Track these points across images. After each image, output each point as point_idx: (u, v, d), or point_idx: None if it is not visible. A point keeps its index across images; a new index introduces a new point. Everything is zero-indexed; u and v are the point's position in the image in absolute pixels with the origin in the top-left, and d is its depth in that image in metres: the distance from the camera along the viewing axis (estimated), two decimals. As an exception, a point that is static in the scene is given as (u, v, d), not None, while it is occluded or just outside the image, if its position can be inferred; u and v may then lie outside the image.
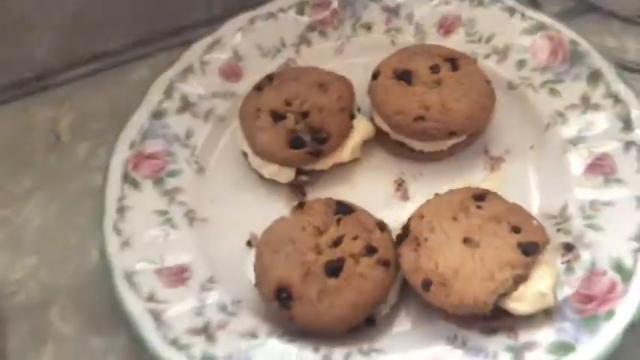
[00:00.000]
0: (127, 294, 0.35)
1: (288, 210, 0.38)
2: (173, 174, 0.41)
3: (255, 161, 0.41)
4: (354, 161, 0.41)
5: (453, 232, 0.34)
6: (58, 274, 0.41)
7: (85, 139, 0.47)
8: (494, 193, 0.36)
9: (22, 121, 0.49)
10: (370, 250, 0.35)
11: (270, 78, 0.42)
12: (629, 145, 0.37)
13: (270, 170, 0.40)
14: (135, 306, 0.35)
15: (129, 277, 0.36)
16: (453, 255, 0.33)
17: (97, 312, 0.40)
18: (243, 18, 0.46)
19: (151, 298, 0.36)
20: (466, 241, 0.34)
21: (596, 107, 0.39)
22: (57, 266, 0.42)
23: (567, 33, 0.42)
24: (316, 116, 0.40)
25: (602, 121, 0.39)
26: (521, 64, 0.43)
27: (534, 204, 0.38)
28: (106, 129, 0.47)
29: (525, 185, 0.39)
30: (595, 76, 0.40)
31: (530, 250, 0.32)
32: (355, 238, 0.35)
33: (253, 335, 0.35)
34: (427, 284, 0.33)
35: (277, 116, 0.40)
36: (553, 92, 0.41)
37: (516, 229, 0.33)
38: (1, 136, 0.48)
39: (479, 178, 0.40)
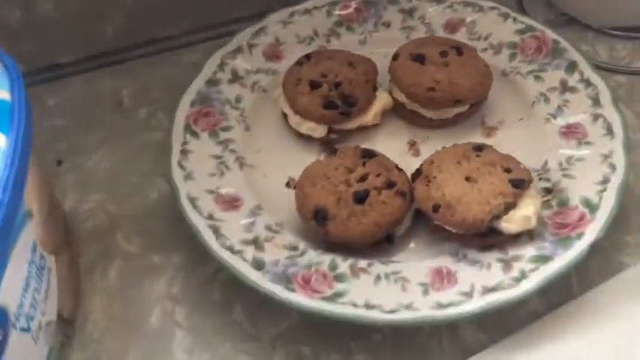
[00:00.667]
0: (191, 213, 0.43)
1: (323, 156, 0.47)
2: (225, 129, 0.50)
3: (295, 120, 0.49)
4: (375, 126, 0.50)
5: (457, 172, 0.43)
6: (122, 207, 0.49)
7: (144, 105, 0.56)
8: (490, 146, 0.45)
9: (91, 89, 0.57)
10: (390, 184, 0.43)
11: (308, 56, 0.51)
12: (597, 116, 0.47)
13: (306, 126, 0.49)
14: (198, 221, 0.43)
15: (192, 200, 0.44)
16: (457, 188, 0.42)
17: (155, 236, 0.47)
18: (284, 12, 0.56)
19: (210, 217, 0.43)
20: (467, 178, 0.42)
21: (572, 89, 0.49)
22: (122, 201, 0.49)
23: (550, 34, 0.52)
24: (347, 86, 0.49)
25: (576, 99, 0.48)
26: (512, 56, 0.52)
27: (521, 161, 0.46)
28: (162, 98, 0.56)
29: (515, 147, 0.47)
30: (572, 66, 0.50)
31: (519, 184, 0.41)
32: (378, 175, 0.43)
33: (294, 248, 0.43)
34: (436, 207, 0.41)
35: (315, 85, 0.49)
36: (537, 78, 0.51)
37: (508, 170, 0.42)
38: (73, 100, 0.56)
39: (477, 141, 0.49)
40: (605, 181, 0.43)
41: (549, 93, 0.49)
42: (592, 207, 0.42)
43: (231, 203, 0.45)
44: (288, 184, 0.47)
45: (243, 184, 0.47)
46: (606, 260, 0.44)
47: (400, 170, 0.44)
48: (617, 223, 0.42)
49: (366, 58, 0.51)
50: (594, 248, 0.40)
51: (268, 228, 0.44)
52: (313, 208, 0.43)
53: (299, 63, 0.51)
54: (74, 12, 0.55)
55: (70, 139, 0.53)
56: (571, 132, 0.47)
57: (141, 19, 0.58)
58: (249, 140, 0.50)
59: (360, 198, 0.42)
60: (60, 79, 0.57)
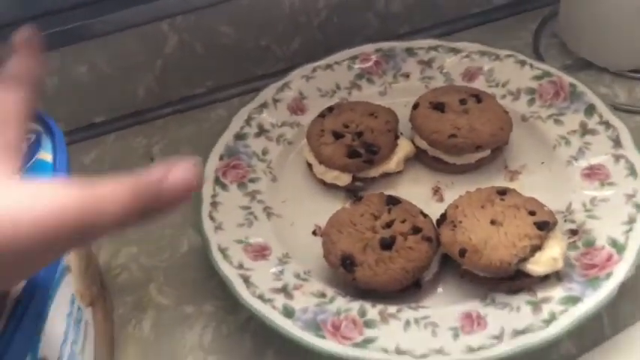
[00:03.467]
0: (222, 263, 0.44)
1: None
2: (253, 180, 0.51)
3: (319, 169, 0.51)
4: (399, 173, 0.51)
5: (482, 216, 0.43)
6: (154, 260, 0.51)
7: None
8: (514, 190, 0.45)
9: (123, 146, 0.60)
10: (416, 230, 0.44)
11: (330, 108, 0.53)
12: (618, 157, 0.47)
13: (331, 175, 0.50)
14: (229, 271, 0.44)
15: (222, 251, 0.45)
16: (483, 231, 0.42)
17: (187, 287, 0.49)
18: (307, 67, 0.58)
19: (240, 267, 0.44)
20: (492, 222, 0.43)
21: (592, 132, 0.50)
22: (154, 254, 0.51)
23: (567, 78, 0.53)
24: (369, 135, 0.50)
25: (596, 141, 0.49)
26: (531, 102, 0.53)
27: (546, 203, 0.47)
28: (192, 153, 0.58)
29: (538, 190, 0.48)
30: (590, 109, 0.51)
31: (544, 226, 0.42)
32: (403, 221, 0.44)
33: (323, 295, 0.43)
34: (463, 252, 0.42)
35: (337, 135, 0.51)
36: (557, 122, 0.52)
37: (532, 213, 0.43)
38: (106, 157, 0.59)
39: (500, 185, 0.49)
40: (631, 220, 0.43)
41: (569, 136, 0.50)
42: (619, 247, 0.42)
43: (260, 252, 0.46)
44: (314, 233, 0.48)
45: (271, 234, 0.48)
46: (637, 300, 0.44)
47: (425, 216, 0.45)
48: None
49: (387, 107, 0.53)
50: (624, 288, 0.40)
51: (297, 276, 0.44)
52: (340, 254, 0.43)
53: (322, 115, 0.53)
54: (106, 75, 0.58)
55: None
56: (593, 173, 0.47)
57: (169, 79, 0.61)
58: (276, 191, 0.51)
59: (387, 244, 0.43)
60: (95, 137, 0.61)
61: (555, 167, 0.49)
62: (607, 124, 0.49)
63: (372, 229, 0.44)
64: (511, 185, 0.49)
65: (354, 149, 0.50)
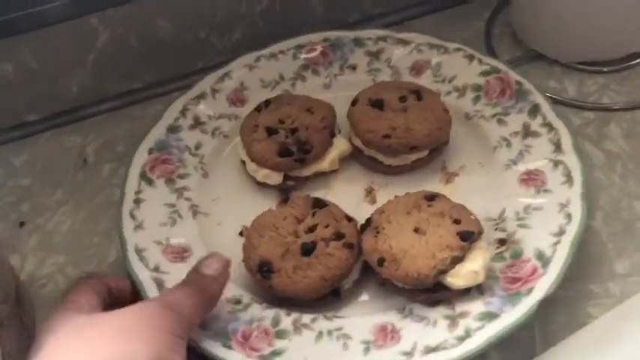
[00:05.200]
0: (136, 265, 0.43)
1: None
2: (182, 176, 0.49)
3: (251, 167, 0.49)
4: (333, 172, 0.49)
5: (406, 223, 0.41)
6: (81, 269, 0.48)
7: (108, 161, 0.54)
8: (443, 195, 0.43)
9: (56, 146, 0.56)
10: (338, 236, 0.42)
11: (267, 102, 0.51)
12: (557, 163, 0.45)
13: (262, 174, 0.48)
14: (142, 275, 0.42)
15: (139, 252, 0.44)
16: (404, 240, 0.40)
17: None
18: (250, 56, 0.56)
19: (155, 270, 0.43)
20: (416, 230, 0.41)
21: (534, 134, 0.48)
22: (81, 263, 0.48)
23: (514, 75, 0.51)
24: (303, 132, 0.48)
25: (538, 144, 0.47)
26: (476, 99, 0.51)
27: (479, 209, 0.44)
28: (127, 153, 0.53)
29: (473, 194, 0.46)
30: (535, 109, 0.49)
31: (467, 236, 0.40)
32: (327, 226, 0.42)
33: (238, 302, 0.42)
34: (381, 261, 0.40)
35: (271, 131, 0.49)
36: (500, 122, 0.49)
37: (457, 222, 0.41)
38: (38, 158, 0.55)
39: (436, 188, 0.47)
40: (561, 232, 0.41)
41: (511, 137, 0.48)
42: (545, 260, 0.40)
43: (180, 254, 0.45)
44: (241, 233, 0.47)
45: (195, 234, 0.46)
46: (571, 312, 0.42)
47: (350, 220, 0.43)
48: (581, 272, 0.40)
49: (326, 103, 0.51)
50: (558, 300, 0.38)
51: (214, 280, 0.43)
52: (259, 260, 0.42)
53: (258, 109, 0.51)
54: (35, 72, 0.54)
55: (33, 200, 0.52)
56: (531, 179, 0.45)
57: (104, 75, 0.57)
58: (206, 188, 0.49)
59: (307, 250, 0.41)
60: (26, 137, 0.57)
61: (493, 170, 0.47)
62: (550, 127, 0.47)
63: (294, 233, 0.43)
64: (446, 188, 0.48)
65: (287, 147, 0.48)
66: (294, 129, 0.48)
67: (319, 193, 0.48)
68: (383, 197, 0.47)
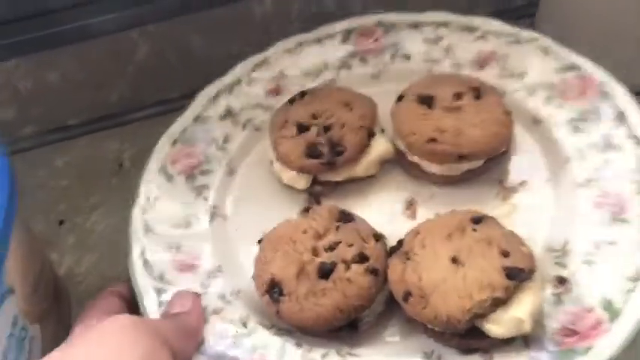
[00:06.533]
0: (139, 273, 0.39)
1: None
2: (205, 172, 0.45)
3: (277, 166, 0.43)
4: (370, 177, 0.43)
5: (443, 250, 0.35)
6: (115, 268, 0.45)
7: (142, 167, 0.49)
8: (492, 218, 0.36)
9: (94, 150, 0.55)
10: (362, 258, 0.36)
11: (302, 94, 0.45)
12: (642, 186, 0.36)
13: (288, 176, 0.43)
14: (144, 283, 0.38)
15: (145, 257, 0.40)
16: (438, 271, 0.34)
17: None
18: (292, 40, 0.50)
19: (160, 279, 0.39)
20: (454, 260, 0.34)
21: (616, 147, 0.39)
22: (115, 262, 0.45)
23: (598, 75, 0.42)
24: (337, 131, 0.42)
25: (619, 161, 0.38)
26: (548, 100, 0.43)
27: (539, 236, 0.38)
28: None
29: (534, 217, 0.39)
30: (620, 117, 0.40)
31: (515, 274, 0.32)
32: (350, 245, 0.36)
33: (244, 324, 0.37)
34: (407, 295, 0.34)
35: (302, 127, 0.43)
36: (576, 129, 0.41)
37: (505, 254, 0.34)
38: (76, 162, 0.55)
39: (489, 205, 0.40)
40: (637, 277, 0.33)
41: (587, 150, 0.40)
42: (613, 311, 0.32)
43: (189, 263, 0.40)
44: (260, 242, 0.42)
45: (209, 239, 0.41)
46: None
47: (378, 240, 0.37)
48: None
49: (367, 97, 0.44)
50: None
51: (221, 297, 0.38)
52: (269, 279, 0.36)
53: (291, 101, 0.45)
54: (78, 80, 0.55)
55: (71, 200, 0.52)
56: (607, 203, 0.37)
57: (142, 85, 0.56)
58: (229, 187, 0.45)
59: (325, 272, 0.36)
60: (67, 140, 0.57)
61: (562, 189, 0.39)
62: (637, 140, 0.38)
63: (312, 250, 0.37)
64: (502, 207, 0.40)
65: (316, 147, 0.42)
66: (327, 126, 0.42)
67: (353, 202, 0.42)
68: (425, 212, 0.41)
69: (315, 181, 0.43)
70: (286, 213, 0.41)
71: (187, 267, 0.40)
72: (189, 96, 0.50)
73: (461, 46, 0.47)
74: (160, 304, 0.37)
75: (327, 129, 0.42)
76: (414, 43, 0.48)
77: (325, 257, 0.36)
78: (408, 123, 0.41)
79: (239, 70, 0.49)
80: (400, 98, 0.43)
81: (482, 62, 0.46)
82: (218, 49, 0.55)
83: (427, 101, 0.42)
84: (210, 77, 0.49)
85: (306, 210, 0.39)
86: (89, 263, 0.48)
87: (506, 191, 0.41)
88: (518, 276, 0.32)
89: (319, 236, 0.37)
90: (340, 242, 0.37)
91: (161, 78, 0.56)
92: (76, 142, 0.56)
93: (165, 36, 0.54)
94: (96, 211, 0.51)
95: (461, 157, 0.40)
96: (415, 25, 0.49)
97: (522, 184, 0.41)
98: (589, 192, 0.38)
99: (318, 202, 0.43)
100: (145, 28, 0.53)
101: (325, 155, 0.41)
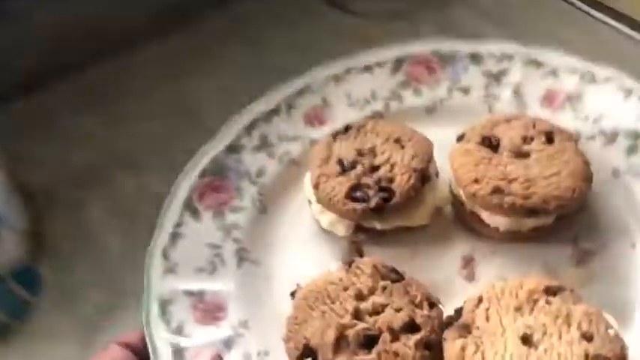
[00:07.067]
0: (154, 324, 0.34)
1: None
2: (235, 209, 0.40)
3: (316, 208, 0.39)
4: (423, 227, 0.38)
5: (512, 326, 0.29)
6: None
7: None
8: (572, 290, 0.30)
9: None
10: (412, 328, 0.31)
11: (347, 128, 0.40)
12: None
13: (328, 220, 0.38)
14: (159, 337, 0.34)
15: (163, 304, 0.35)
16: (505, 354, 0.28)
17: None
18: (338, 66, 0.45)
19: (178, 331, 0.34)
20: (524, 339, 0.29)
21: None
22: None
23: (692, 124, 0.36)
24: (386, 171, 0.37)
25: None
26: (631, 150, 0.37)
27: (624, 313, 0.32)
28: None
29: (617, 289, 0.33)
30: None
31: (601, 365, 0.27)
32: (399, 310, 0.31)
33: (270, 394, 0.32)
34: (467, 381, 0.28)
35: (346, 166, 0.38)
36: (666, 186, 0.35)
37: (588, 337, 0.28)
38: None
39: (561, 270, 0.35)
40: None
41: (679, 212, 0.34)
42: None
43: (212, 313, 0.35)
44: (293, 294, 0.37)
45: (236, 288, 0.37)
46: None
47: (433, 306, 0.32)
48: None
49: (422, 136, 0.39)
50: None
51: (246, 357, 0.33)
52: (302, 344, 0.31)
53: (335, 135, 0.40)
54: None
55: None
56: None
57: None
58: (262, 228, 0.40)
59: (368, 341, 0.31)
60: None
61: (649, 257, 0.34)
62: None
63: (353, 312, 0.32)
64: (577, 272, 0.35)
65: (362, 189, 0.37)
66: (375, 166, 0.38)
67: (401, 255, 0.37)
68: (484, 273, 0.36)
69: (358, 228, 0.38)
70: (324, 262, 0.37)
71: (210, 318, 0.35)
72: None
73: (527, 82, 0.42)
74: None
75: (374, 169, 0.38)
76: (473, 76, 0.44)
77: (369, 323, 0.31)
78: (469, 168, 0.36)
79: (276, 95, 0.44)
80: (460, 138, 0.38)
81: (551, 101, 0.41)
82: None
83: (492, 145, 0.37)
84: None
85: (349, 263, 0.34)
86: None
87: (583, 254, 0.35)
88: (605, 367, 0.27)
89: (362, 296, 0.32)
90: (387, 305, 0.32)
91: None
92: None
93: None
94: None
95: (531, 212, 0.34)
96: (474, 56, 0.44)
97: (602, 246, 0.35)
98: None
99: (361, 254, 0.38)
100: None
101: (371, 199, 0.36)
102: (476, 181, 0.35)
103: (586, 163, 0.35)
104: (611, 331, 0.28)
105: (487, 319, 0.30)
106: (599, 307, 0.30)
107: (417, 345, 0.30)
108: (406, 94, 0.44)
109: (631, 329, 0.32)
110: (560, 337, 0.28)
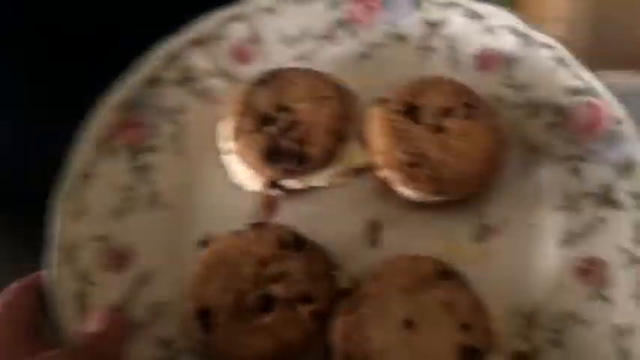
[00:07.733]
0: (62, 267, 0.34)
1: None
2: (152, 149, 0.39)
3: (233, 159, 0.38)
4: (334, 187, 0.38)
5: (397, 309, 0.31)
6: None
7: None
8: (462, 279, 0.32)
9: None
10: (306, 299, 0.32)
11: (273, 75, 0.39)
12: (634, 261, 0.32)
13: (243, 173, 0.37)
14: (64, 284, 0.34)
15: (69, 249, 0.35)
16: (387, 335, 0.30)
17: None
18: (272, -4, 0.42)
19: (84, 278, 0.35)
20: (408, 322, 0.30)
21: (614, 204, 0.34)
22: None
23: (615, 109, 0.36)
24: (302, 131, 0.36)
25: (615, 222, 0.34)
26: (551, 126, 0.37)
27: (508, 294, 0.34)
28: None
29: (508, 269, 0.34)
30: (628, 167, 0.35)
31: (470, 355, 0.29)
32: (296, 280, 0.32)
33: (166, 345, 0.33)
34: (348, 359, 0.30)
35: (264, 120, 0.37)
36: (574, 171, 0.36)
37: (465, 327, 0.30)
38: None
39: (462, 244, 0.36)
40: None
41: (583, 199, 0.35)
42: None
43: (119, 260, 0.36)
44: (203, 244, 0.37)
45: (144, 233, 0.37)
46: None
47: (330, 279, 0.33)
48: None
49: (346, 91, 0.38)
50: None
51: (148, 307, 0.34)
52: (200, 305, 0.32)
53: (260, 82, 0.39)
54: None
55: None
56: (591, 271, 0.33)
57: None
58: (178, 170, 0.39)
59: (264, 308, 0.32)
60: None
61: (544, 241, 0.35)
62: (638, 198, 0.33)
63: (254, 278, 0.33)
64: (477, 247, 0.36)
65: (278, 150, 0.36)
66: (292, 122, 0.37)
67: (311, 213, 0.37)
68: (388, 240, 0.36)
69: (272, 184, 0.38)
70: (239, 211, 0.37)
71: (114, 267, 0.35)
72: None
73: (463, 36, 0.40)
74: (80, 309, 0.33)
75: (291, 125, 0.37)
76: (412, 23, 0.41)
77: (267, 290, 0.32)
78: (385, 138, 0.35)
79: (204, 26, 0.41)
80: (381, 102, 0.37)
81: (484, 63, 0.40)
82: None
83: (412, 113, 0.36)
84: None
85: (258, 226, 0.35)
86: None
87: (485, 230, 0.36)
88: (474, 357, 0.29)
89: (264, 263, 0.33)
90: (286, 274, 0.33)
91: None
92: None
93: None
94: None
95: (437, 193, 0.34)
96: (418, 0, 0.42)
97: (504, 222, 0.36)
98: (573, 253, 0.34)
99: (272, 208, 0.38)
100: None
101: (284, 160, 0.36)
102: (387, 152, 0.35)
103: (500, 143, 0.35)
104: (486, 324, 0.30)
105: (377, 296, 0.31)
106: (491, 285, 0.31)
107: (310, 315, 0.31)
108: (341, 33, 0.42)
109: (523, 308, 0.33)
110: (439, 324, 0.30)
